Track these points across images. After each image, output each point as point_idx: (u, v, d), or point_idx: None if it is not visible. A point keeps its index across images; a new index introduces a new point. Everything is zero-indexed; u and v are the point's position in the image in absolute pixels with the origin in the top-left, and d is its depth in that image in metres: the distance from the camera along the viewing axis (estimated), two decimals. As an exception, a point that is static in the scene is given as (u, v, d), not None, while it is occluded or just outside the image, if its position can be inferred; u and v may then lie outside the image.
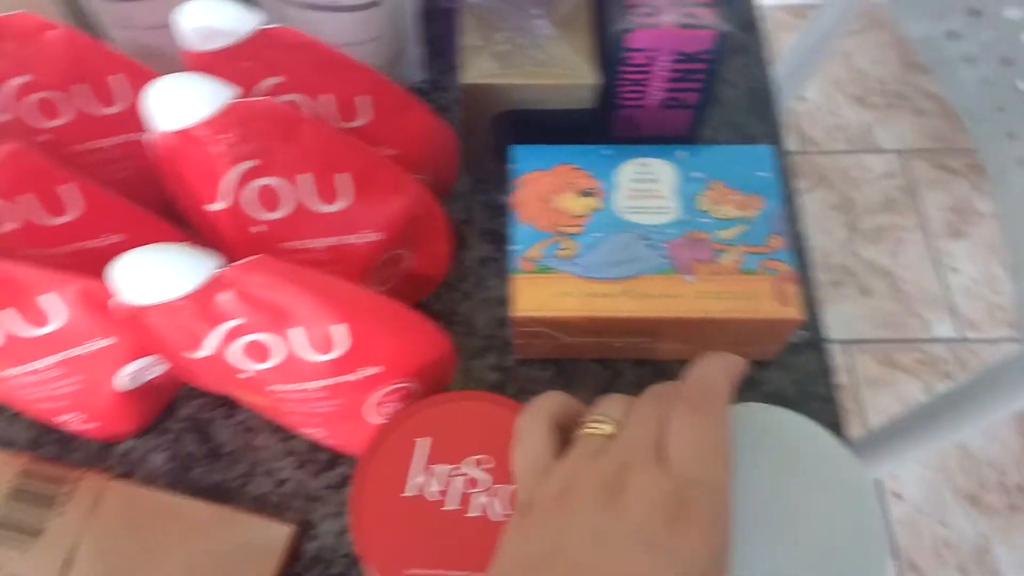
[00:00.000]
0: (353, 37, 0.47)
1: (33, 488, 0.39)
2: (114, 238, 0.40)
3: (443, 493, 0.35)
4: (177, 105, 0.35)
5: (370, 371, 0.36)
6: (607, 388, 0.44)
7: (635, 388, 0.43)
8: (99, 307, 0.36)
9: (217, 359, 0.34)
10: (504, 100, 0.43)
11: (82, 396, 0.38)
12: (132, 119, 0.41)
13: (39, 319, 0.35)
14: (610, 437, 0.31)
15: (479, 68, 0.42)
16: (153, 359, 0.39)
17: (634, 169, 0.43)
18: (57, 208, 0.38)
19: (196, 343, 0.34)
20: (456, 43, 0.44)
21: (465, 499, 0.35)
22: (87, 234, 0.39)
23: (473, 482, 0.35)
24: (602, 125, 0.46)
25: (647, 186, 0.43)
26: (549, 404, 0.33)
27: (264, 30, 0.37)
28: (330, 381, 0.36)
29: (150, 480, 0.41)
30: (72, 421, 0.40)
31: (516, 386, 0.44)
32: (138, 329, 0.34)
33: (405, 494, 0.35)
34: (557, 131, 0.45)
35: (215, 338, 0.33)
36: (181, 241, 0.40)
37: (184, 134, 0.35)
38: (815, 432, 0.34)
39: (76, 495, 0.39)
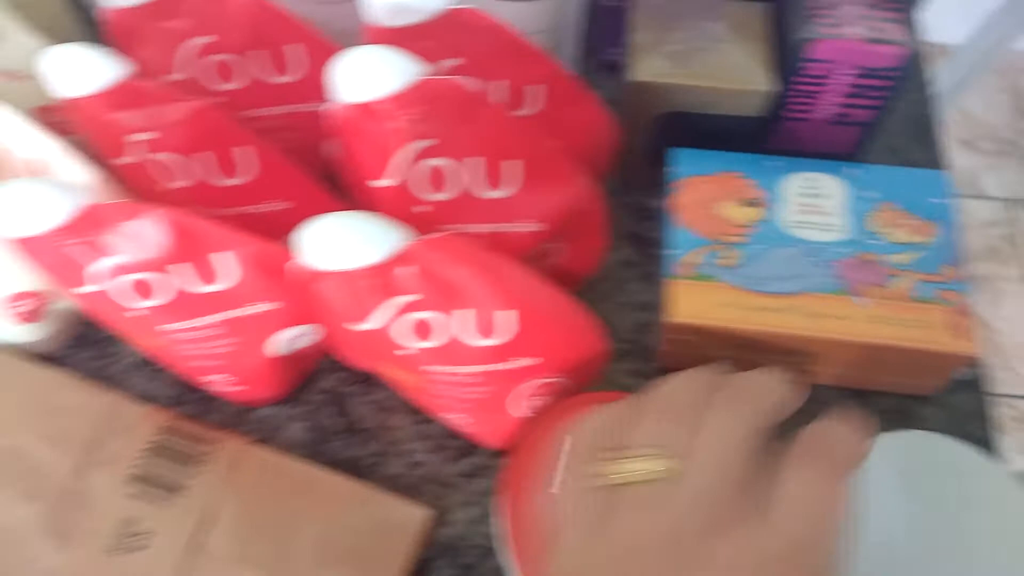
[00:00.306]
0: (519, 28, 0.46)
1: (174, 445, 0.40)
2: (280, 205, 0.40)
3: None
4: (366, 77, 0.35)
5: (527, 362, 0.35)
6: (749, 406, 0.43)
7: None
8: (271, 270, 0.36)
9: (381, 333, 0.34)
10: (670, 101, 0.42)
11: (235, 358, 0.39)
12: (303, 90, 0.42)
13: (210, 276, 0.35)
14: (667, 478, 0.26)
15: (649, 66, 0.41)
16: (309, 328, 0.39)
17: (801, 183, 0.42)
18: (231, 170, 0.38)
19: (364, 315, 0.34)
20: (621, 40, 0.44)
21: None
22: (255, 198, 0.40)
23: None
24: (761, 135, 0.45)
25: (814, 201, 0.41)
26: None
27: (453, 10, 0.37)
28: (487, 368, 0.35)
29: (287, 448, 0.41)
30: (218, 382, 0.41)
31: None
32: (307, 295, 0.34)
33: (552, 490, 0.34)
34: (717, 137, 0.44)
35: (386, 312, 0.33)
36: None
37: (366, 107, 0.35)
38: (985, 464, 0.32)
39: (215, 456, 0.39)
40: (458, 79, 0.35)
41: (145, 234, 0.33)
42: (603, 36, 0.51)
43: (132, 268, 0.34)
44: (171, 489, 0.39)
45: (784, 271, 0.39)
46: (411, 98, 0.35)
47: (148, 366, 0.43)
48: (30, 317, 0.41)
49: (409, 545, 0.37)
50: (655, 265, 0.44)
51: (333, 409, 0.43)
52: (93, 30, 0.45)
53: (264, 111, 0.42)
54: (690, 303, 0.39)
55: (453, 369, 0.36)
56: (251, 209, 0.39)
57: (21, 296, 0.39)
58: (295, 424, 0.42)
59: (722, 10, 0.43)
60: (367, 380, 0.43)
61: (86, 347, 0.44)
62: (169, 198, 0.39)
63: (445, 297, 0.33)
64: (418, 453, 0.41)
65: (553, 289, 0.36)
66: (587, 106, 0.41)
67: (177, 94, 0.36)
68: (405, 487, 0.41)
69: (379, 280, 0.32)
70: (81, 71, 0.35)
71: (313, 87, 0.41)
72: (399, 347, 0.35)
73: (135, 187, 0.39)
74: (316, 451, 0.41)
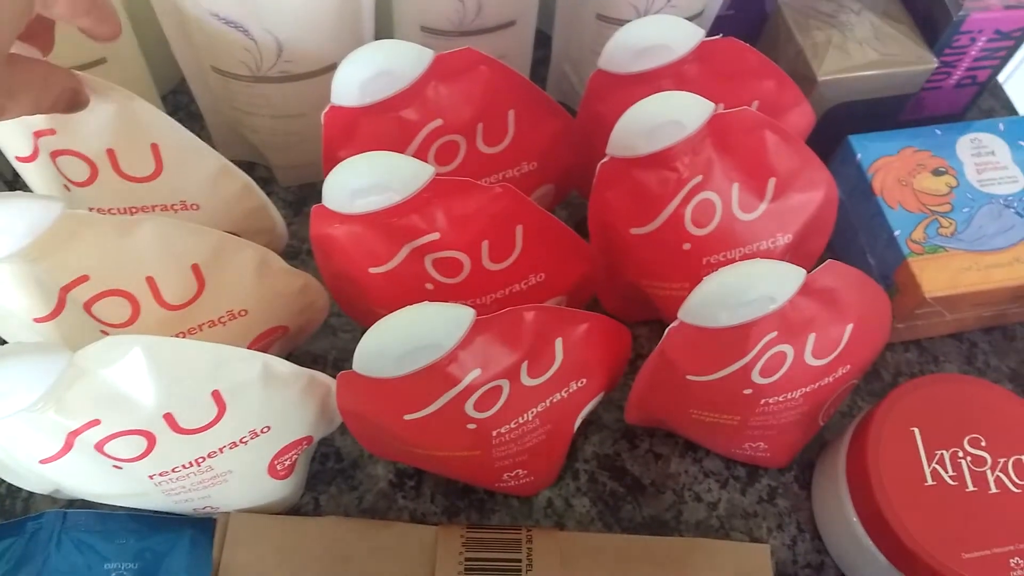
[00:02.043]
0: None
1: (487, 558, 0.36)
2: (536, 278, 0.38)
3: (956, 477, 0.35)
4: (655, 128, 0.34)
5: (845, 369, 0.36)
6: (969, 361, 0.45)
7: (991, 356, 0.45)
8: (583, 347, 0.34)
9: (737, 376, 0.33)
10: (848, 91, 0.44)
11: (539, 449, 0.36)
12: (513, 155, 0.39)
13: (547, 366, 0.33)
14: None
15: (831, 63, 0.43)
16: (600, 397, 0.37)
17: (969, 145, 0.45)
18: (502, 253, 0.36)
19: (727, 363, 0.33)
20: (780, 43, 0.45)
21: (979, 478, 0.35)
22: (517, 277, 0.37)
23: (980, 460, 0.36)
24: (901, 109, 0.48)
25: (987, 159, 0.44)
26: None
27: (706, 42, 0.36)
28: (814, 386, 0.35)
29: (584, 526, 0.39)
30: (510, 480, 0.38)
31: (892, 370, 0.45)
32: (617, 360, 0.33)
33: (928, 483, 0.35)
34: (873, 119, 0.46)
35: (754, 351, 0.32)
36: (589, 268, 0.39)
37: (655, 156, 0.34)
38: None
39: (535, 555, 0.37)
40: (747, 109, 0.35)
41: (501, 342, 0.30)
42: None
43: (488, 380, 0.31)
44: (509, 604, 0.36)
45: (996, 227, 0.42)
46: (695, 142, 0.34)
47: (403, 485, 0.40)
48: (290, 470, 0.36)
49: (772, 583, 0.37)
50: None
51: (609, 473, 0.41)
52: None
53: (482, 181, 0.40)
54: (936, 276, 0.41)
55: (788, 395, 0.35)
56: (516, 287, 0.37)
57: (287, 449, 0.34)
58: (580, 500, 0.40)
59: (859, 0, 0.45)
60: (627, 436, 0.42)
61: (324, 484, 0.39)
62: (437, 295, 0.36)
63: (801, 327, 0.32)
64: (711, 492, 0.41)
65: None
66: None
67: (462, 188, 0.33)
68: (715, 529, 0.40)
69: (744, 334, 0.31)
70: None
71: (521, 151, 0.40)
72: (748, 386, 0.34)
73: (388, 296, 0.35)
74: (614, 520, 0.40)
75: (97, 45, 0.39)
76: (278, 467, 0.35)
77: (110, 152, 0.34)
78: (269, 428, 0.33)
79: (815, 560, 0.39)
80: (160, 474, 0.32)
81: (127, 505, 0.35)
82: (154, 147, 0.34)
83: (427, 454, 0.35)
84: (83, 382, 0.27)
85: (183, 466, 0.32)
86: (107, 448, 0.29)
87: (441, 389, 0.31)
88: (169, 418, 0.30)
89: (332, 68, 0.41)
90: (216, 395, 0.30)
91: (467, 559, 0.36)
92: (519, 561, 0.36)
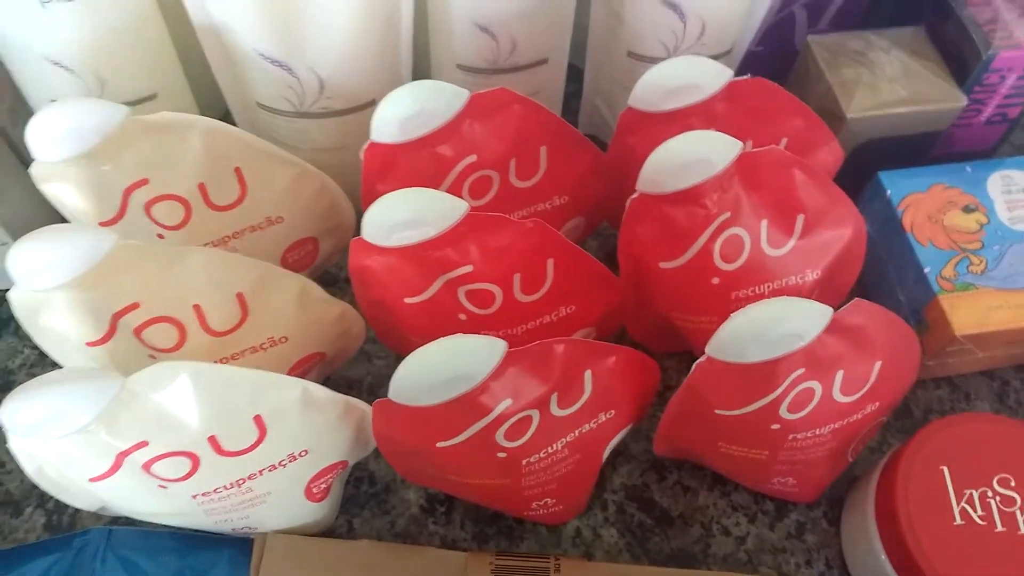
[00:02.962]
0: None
1: (513, 584, 0.37)
2: (566, 310, 0.39)
3: (985, 517, 0.35)
4: (684, 165, 0.34)
5: (873, 407, 0.36)
6: (1000, 399, 0.45)
7: (1023, 393, 0.45)
8: (612, 379, 0.35)
9: (765, 411, 0.34)
10: (877, 129, 0.44)
11: (568, 478, 0.37)
12: (544, 189, 0.41)
13: (576, 397, 0.34)
14: None
15: (860, 101, 0.43)
16: (628, 428, 0.38)
17: (999, 182, 0.45)
18: (534, 285, 0.37)
19: (754, 399, 0.33)
20: (810, 81, 0.46)
21: (1008, 518, 0.35)
22: (547, 309, 0.38)
23: (1009, 501, 0.35)
24: (931, 145, 0.48)
25: (1018, 196, 0.44)
26: None
27: (734, 82, 0.37)
28: (844, 422, 0.36)
29: (612, 557, 0.40)
30: (539, 508, 0.38)
31: (922, 407, 0.45)
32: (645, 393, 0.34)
33: (957, 522, 0.35)
34: (901, 156, 0.46)
35: (784, 387, 0.33)
36: (618, 299, 0.39)
37: (682, 194, 0.35)
38: None
39: (563, 584, 0.37)
40: (775, 148, 0.36)
41: (531, 373, 0.31)
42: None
43: (518, 410, 0.32)
44: (536, 632, 0.36)
45: (1027, 265, 0.42)
46: (724, 179, 0.35)
47: (434, 511, 0.40)
48: (325, 493, 0.37)
49: (799, 618, 0.37)
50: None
51: (637, 504, 0.41)
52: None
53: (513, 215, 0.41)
54: (966, 314, 0.41)
55: (817, 431, 0.36)
56: (547, 319, 0.38)
57: (324, 472, 0.36)
58: (607, 531, 0.40)
59: (888, 38, 0.46)
60: (655, 467, 0.42)
61: (358, 507, 0.40)
62: (470, 326, 0.37)
63: (829, 364, 0.33)
64: (739, 526, 0.41)
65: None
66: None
67: (495, 223, 0.34)
68: (743, 563, 0.40)
69: (771, 370, 0.32)
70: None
71: (552, 185, 0.41)
72: (776, 421, 0.34)
73: (422, 326, 0.37)
74: (642, 551, 0.40)
75: (149, 81, 0.41)
76: (314, 490, 0.36)
77: (201, 187, 0.36)
78: (307, 452, 0.34)
79: (843, 596, 0.39)
80: (203, 494, 0.33)
81: (171, 524, 0.36)
82: (237, 170, 0.36)
83: (459, 481, 0.35)
84: (133, 405, 0.29)
85: (225, 487, 0.33)
86: (154, 468, 0.31)
87: (473, 418, 0.32)
88: (213, 441, 0.31)
89: (371, 104, 0.43)
90: (258, 420, 0.31)
91: (496, 587, 0.37)
92: (546, 589, 0.37)
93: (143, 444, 0.30)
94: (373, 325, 0.40)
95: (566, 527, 0.40)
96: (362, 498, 0.41)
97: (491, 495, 0.37)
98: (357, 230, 0.35)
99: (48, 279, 0.31)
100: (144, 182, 0.36)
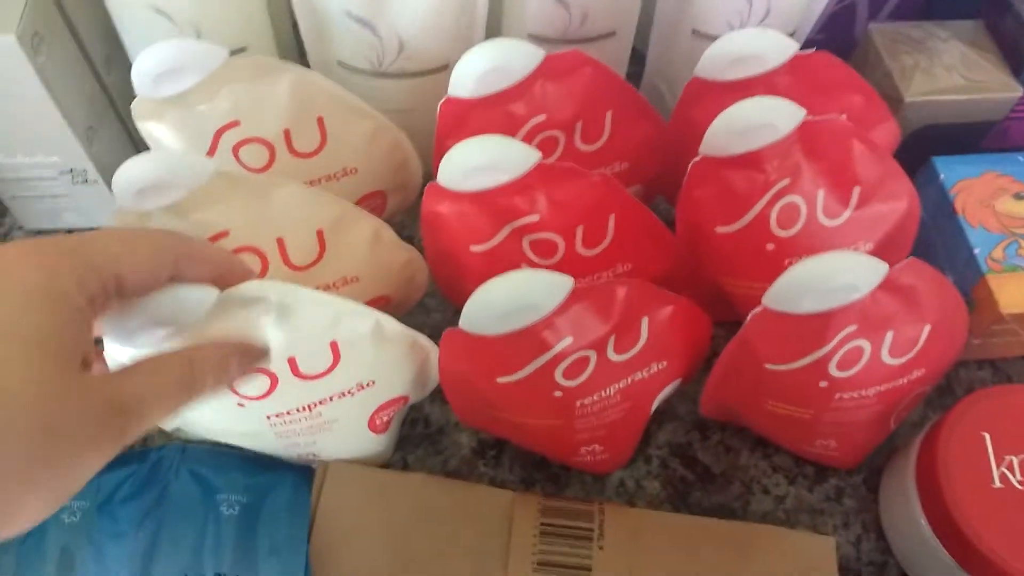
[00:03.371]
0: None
1: (561, 525, 0.39)
2: (623, 267, 0.40)
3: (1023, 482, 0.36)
4: (748, 129, 0.36)
5: (920, 372, 0.37)
6: (1043, 383, 0.46)
7: None
8: (667, 329, 0.36)
9: (814, 367, 0.35)
10: (933, 114, 0.45)
11: (617, 425, 0.38)
12: (608, 153, 0.42)
13: (632, 343, 0.35)
14: None
15: (918, 86, 0.45)
16: (677, 383, 0.39)
17: (1052, 172, 0.46)
18: (595, 239, 0.38)
19: (803, 354, 0.35)
20: (869, 66, 0.47)
21: (1048, 486, 0.36)
22: (606, 265, 0.40)
23: (1050, 469, 0.36)
24: (982, 136, 0.49)
25: (1070, 186, 0.45)
26: None
27: (800, 56, 0.39)
28: (892, 384, 0.37)
29: (654, 507, 0.41)
30: (586, 455, 0.40)
31: (964, 387, 0.45)
32: (697, 348, 0.35)
33: (996, 485, 0.36)
34: (957, 142, 0.47)
35: (833, 342, 0.34)
36: (675, 263, 0.41)
37: (744, 158, 0.37)
38: None
39: (607, 527, 0.39)
40: (836, 117, 0.37)
41: (593, 312, 0.33)
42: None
43: (577, 348, 0.33)
44: (580, 568, 0.38)
45: (1077, 251, 0.43)
46: (788, 144, 0.37)
47: (485, 454, 0.42)
48: (386, 427, 0.39)
49: (835, 574, 0.38)
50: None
51: (680, 460, 0.43)
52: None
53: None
54: (1012, 294, 0.42)
55: (863, 392, 0.37)
56: (604, 275, 0.39)
57: (387, 405, 0.38)
58: (650, 483, 0.42)
59: (947, 29, 0.47)
60: (699, 427, 0.44)
61: (413, 446, 0.42)
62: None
63: (880, 323, 0.34)
64: (779, 486, 0.42)
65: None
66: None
67: (564, 173, 0.36)
68: (781, 521, 0.41)
69: (824, 323, 0.33)
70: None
71: (615, 151, 0.42)
72: (825, 378, 0.36)
73: (485, 275, 0.38)
74: (682, 504, 0.41)
75: (240, 33, 0.44)
76: (377, 421, 0.38)
77: (286, 133, 0.38)
78: (374, 382, 0.36)
79: (878, 559, 0.40)
80: (276, 415, 0.35)
81: (241, 445, 0.39)
82: (320, 120, 0.39)
83: (513, 420, 0.37)
84: (223, 318, 0.31)
85: (297, 410, 0.35)
86: (236, 386, 0.33)
87: (534, 353, 0.33)
88: (292, 362, 0.33)
89: (444, 68, 0.45)
90: (333, 346, 0.33)
91: (543, 524, 0.39)
92: (591, 530, 0.38)
93: None
94: (436, 275, 0.42)
95: (610, 477, 0.42)
96: (417, 438, 0.43)
97: (543, 437, 0.39)
98: (422, 192, 0.37)
99: (152, 200, 0.33)
100: (235, 124, 0.38)
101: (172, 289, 0.29)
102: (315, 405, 0.35)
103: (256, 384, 0.33)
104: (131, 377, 0.26)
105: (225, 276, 0.30)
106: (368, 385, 0.36)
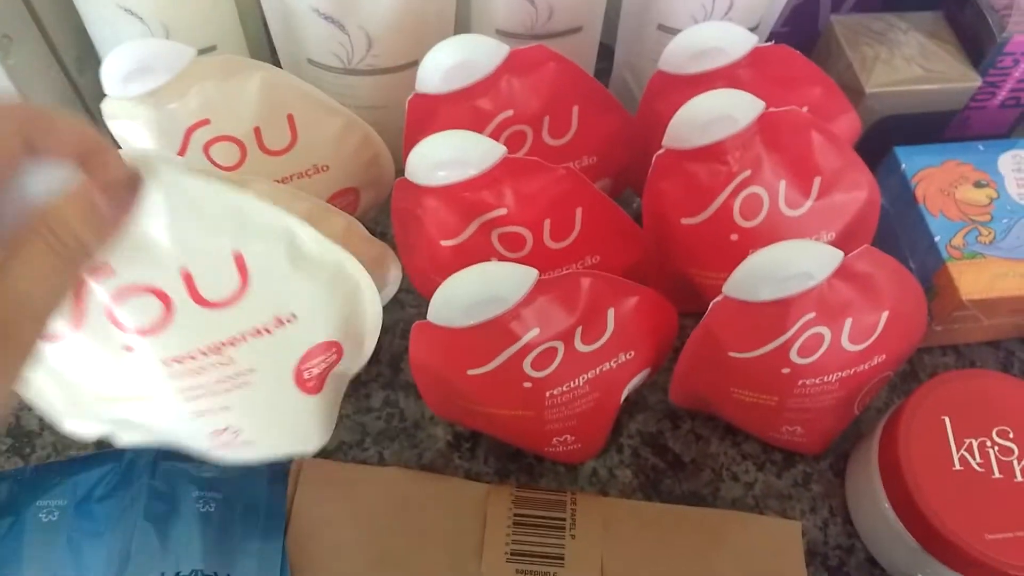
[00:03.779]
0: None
1: (533, 515, 0.39)
2: (591, 260, 0.41)
3: (983, 465, 0.37)
4: (709, 122, 0.37)
5: (880, 359, 0.38)
6: (1005, 368, 0.47)
7: None
8: (633, 320, 0.37)
9: (775, 354, 0.36)
10: (894, 105, 0.46)
11: (587, 416, 0.39)
12: (574, 149, 0.43)
13: (599, 334, 0.36)
14: None
15: (878, 77, 0.45)
16: (645, 373, 0.40)
17: (1011, 160, 0.47)
18: (563, 232, 0.39)
19: (764, 342, 0.35)
20: (831, 58, 0.48)
21: (1006, 467, 0.37)
22: (574, 258, 0.40)
23: (1007, 451, 0.37)
24: (944, 126, 0.50)
25: (1029, 174, 0.47)
26: None
27: (759, 48, 0.39)
28: (851, 371, 0.38)
29: (625, 496, 0.42)
30: (558, 445, 0.41)
31: (928, 372, 0.46)
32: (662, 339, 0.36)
33: (956, 468, 0.37)
34: (919, 133, 0.48)
35: (792, 332, 0.35)
36: (642, 255, 0.42)
37: (707, 150, 0.37)
38: None
39: (579, 517, 0.39)
40: (795, 109, 0.38)
41: (559, 304, 0.34)
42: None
43: (544, 339, 0.34)
44: (554, 558, 0.38)
45: (1035, 238, 0.44)
46: (747, 135, 0.37)
47: (460, 447, 0.43)
48: (319, 384, 0.39)
49: (802, 557, 0.39)
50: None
51: (651, 449, 0.43)
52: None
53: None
54: (973, 280, 0.43)
55: (825, 379, 0.38)
56: (572, 267, 0.40)
57: (314, 352, 0.33)
58: (622, 472, 0.43)
59: (908, 20, 0.48)
60: (670, 416, 0.44)
61: (388, 440, 0.43)
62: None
63: (838, 310, 0.35)
64: (748, 473, 0.43)
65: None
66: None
67: (530, 167, 0.37)
68: (750, 507, 0.42)
69: (784, 310, 0.34)
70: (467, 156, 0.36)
71: (582, 145, 0.43)
72: (787, 365, 0.36)
73: (456, 269, 0.39)
74: (654, 492, 0.42)
75: (210, 32, 0.44)
76: (305, 374, 0.33)
77: (256, 130, 0.39)
78: (295, 317, 0.30)
79: (845, 543, 0.41)
80: (175, 360, 0.29)
81: (137, 424, 0.33)
82: (290, 117, 0.39)
83: (485, 412, 0.38)
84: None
85: (201, 352, 0.29)
86: (118, 313, 0.27)
87: (502, 344, 0.34)
88: (187, 279, 0.28)
89: (413, 64, 0.45)
90: (239, 260, 0.28)
91: (515, 515, 0.39)
92: (563, 520, 0.39)
93: (107, 271, 0.26)
94: (409, 270, 0.43)
95: (583, 467, 0.43)
96: (393, 432, 0.43)
97: (515, 428, 0.39)
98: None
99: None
100: (205, 122, 0.38)
101: (23, 167, 0.24)
102: (223, 345, 0.29)
103: (143, 307, 0.27)
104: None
105: (91, 156, 0.25)
106: (288, 321, 0.30)
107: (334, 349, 0.33)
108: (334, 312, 0.32)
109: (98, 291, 0.27)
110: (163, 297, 0.27)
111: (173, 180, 0.26)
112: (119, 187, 0.25)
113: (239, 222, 0.27)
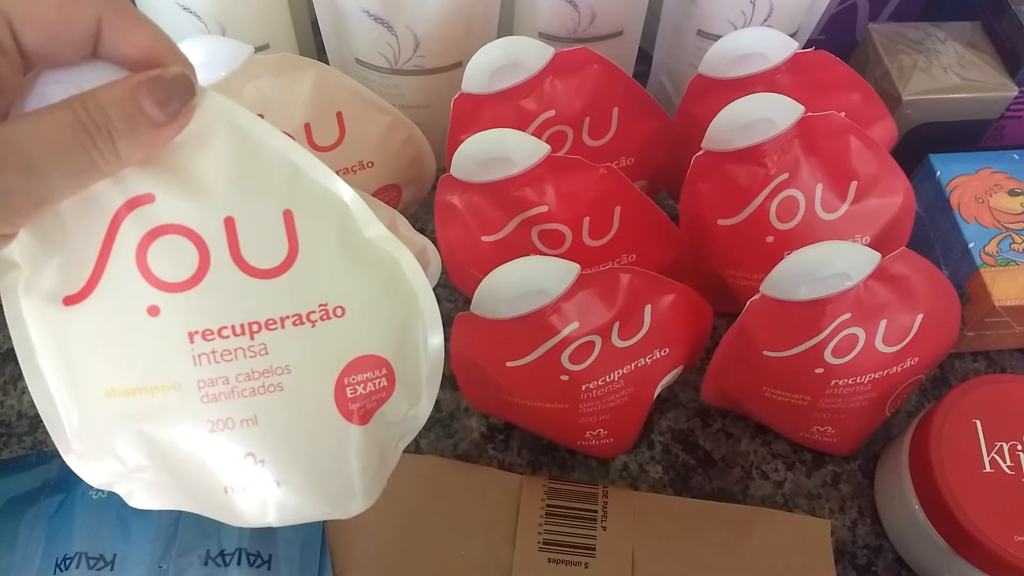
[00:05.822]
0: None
1: (566, 506, 0.40)
2: (628, 258, 0.42)
3: (1014, 468, 0.37)
4: (749, 125, 0.37)
5: (912, 361, 0.39)
6: (1036, 375, 0.47)
7: None
8: (669, 317, 0.38)
9: (809, 354, 0.37)
10: (930, 113, 0.47)
11: (621, 410, 0.40)
12: (613, 149, 0.44)
13: (636, 329, 0.37)
14: None
15: (915, 85, 0.46)
16: (679, 370, 0.41)
17: (1047, 170, 0.47)
18: (601, 230, 0.40)
19: (799, 341, 0.36)
20: (868, 65, 0.48)
21: (1037, 471, 0.37)
22: (611, 255, 0.41)
23: (1038, 455, 0.38)
24: (980, 135, 0.50)
25: (1064, 184, 0.47)
26: None
27: (799, 54, 0.40)
28: (883, 373, 0.38)
29: (656, 491, 0.43)
30: (591, 439, 0.41)
31: (959, 378, 0.47)
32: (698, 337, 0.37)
33: (986, 470, 0.37)
34: (954, 141, 0.49)
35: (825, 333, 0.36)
36: (678, 255, 0.42)
37: (745, 152, 0.38)
38: None
39: (610, 509, 0.40)
40: (834, 113, 0.38)
41: (598, 298, 0.35)
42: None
43: (583, 334, 0.35)
44: (585, 548, 0.39)
45: (1070, 247, 0.44)
46: (787, 138, 0.38)
47: (494, 438, 0.44)
48: (364, 415, 0.40)
49: (831, 555, 0.39)
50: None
51: (682, 446, 0.44)
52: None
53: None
54: (1005, 287, 0.43)
55: (858, 379, 0.38)
56: (609, 265, 0.41)
57: (361, 364, 0.28)
58: (653, 467, 0.43)
59: (945, 30, 0.49)
60: (701, 414, 0.45)
61: (424, 430, 0.44)
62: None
63: (874, 312, 0.35)
64: (778, 472, 0.43)
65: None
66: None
67: (572, 165, 0.38)
68: (779, 506, 0.42)
69: (820, 311, 0.34)
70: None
71: (621, 146, 0.44)
72: (821, 365, 0.37)
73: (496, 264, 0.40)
74: (684, 488, 0.43)
75: (264, 31, 0.46)
76: (348, 392, 0.27)
77: (307, 127, 0.40)
78: (344, 311, 0.26)
79: (873, 543, 0.42)
80: (203, 335, 0.25)
81: (151, 433, 0.26)
82: (339, 115, 0.40)
83: (522, 404, 0.39)
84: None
85: (232, 330, 0.25)
86: (149, 256, 0.24)
87: (542, 337, 0.35)
88: (231, 229, 0.24)
89: (458, 65, 0.47)
90: (288, 220, 0.25)
91: (548, 505, 0.40)
92: (595, 512, 0.40)
93: (149, 198, 0.24)
94: (448, 265, 0.44)
95: (614, 461, 0.44)
96: (429, 422, 0.44)
97: (549, 421, 0.40)
98: (435, 186, 0.38)
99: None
100: (259, 117, 0.40)
101: (89, 65, 0.22)
102: (259, 327, 0.25)
103: (178, 254, 0.24)
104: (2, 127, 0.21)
105: (159, 61, 0.23)
106: (335, 315, 0.26)
107: (384, 371, 0.27)
108: (387, 321, 0.27)
109: (132, 227, 0.24)
110: (201, 245, 0.24)
111: (230, 112, 0.24)
112: (171, 92, 0.23)
113: (292, 177, 0.25)
